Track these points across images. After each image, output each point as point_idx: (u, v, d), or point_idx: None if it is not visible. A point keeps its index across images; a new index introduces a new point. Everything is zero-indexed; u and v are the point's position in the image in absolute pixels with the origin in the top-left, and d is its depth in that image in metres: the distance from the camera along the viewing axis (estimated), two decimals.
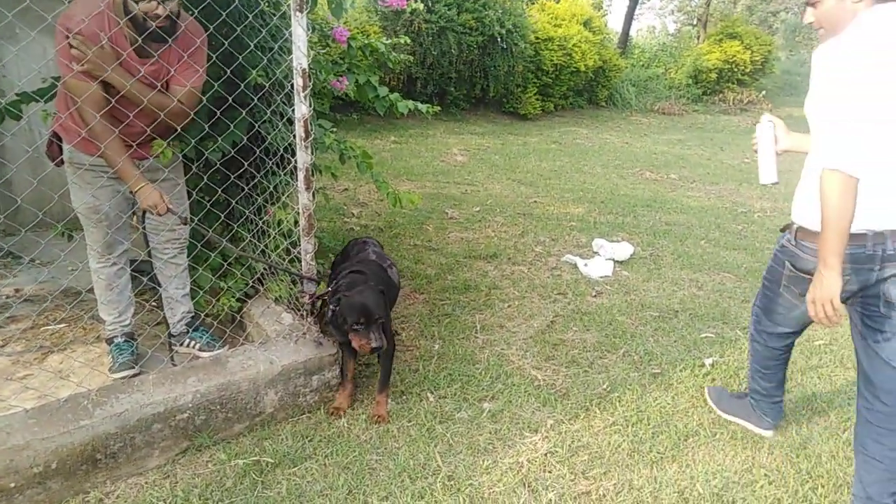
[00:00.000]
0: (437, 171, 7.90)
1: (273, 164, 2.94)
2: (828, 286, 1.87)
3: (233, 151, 2.82)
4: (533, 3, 14.49)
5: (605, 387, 2.97)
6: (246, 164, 2.87)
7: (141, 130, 2.46)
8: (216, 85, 2.57)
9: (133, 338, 2.85)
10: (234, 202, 2.93)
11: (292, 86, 2.57)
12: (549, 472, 2.36)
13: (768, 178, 2.36)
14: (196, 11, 2.57)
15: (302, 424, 2.58)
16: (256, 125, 2.89)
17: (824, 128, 1.87)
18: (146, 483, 2.22)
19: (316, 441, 2.47)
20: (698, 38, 21.61)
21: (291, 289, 2.97)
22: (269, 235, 2.99)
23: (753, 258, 5.03)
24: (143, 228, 2.72)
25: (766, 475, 2.39)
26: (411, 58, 10.43)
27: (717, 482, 2.34)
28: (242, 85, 2.68)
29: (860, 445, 2.09)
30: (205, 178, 2.83)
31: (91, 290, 2.81)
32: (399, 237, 5.07)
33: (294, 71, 2.52)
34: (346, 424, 2.59)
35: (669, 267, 4.71)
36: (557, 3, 14.63)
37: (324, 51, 3.25)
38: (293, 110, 2.60)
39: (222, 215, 3.01)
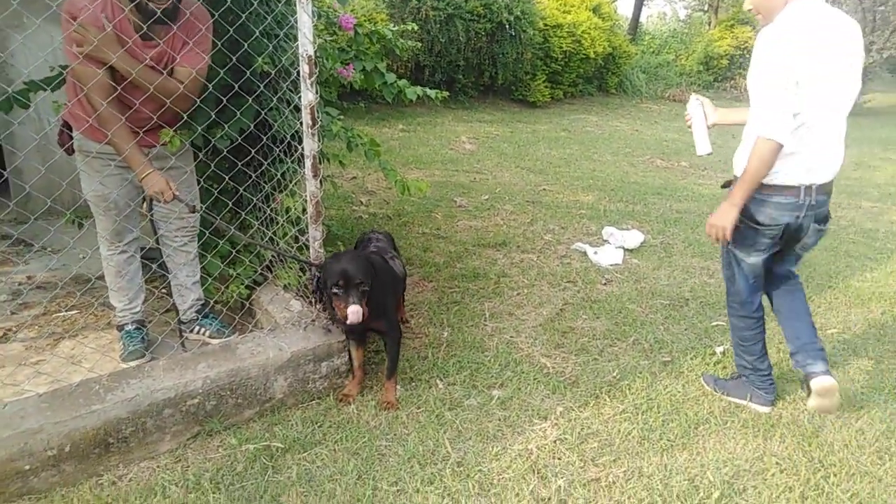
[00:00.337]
0: (446, 160, 7.88)
1: (280, 151, 2.93)
2: (728, 218, 2.38)
3: (239, 139, 2.82)
4: None
5: (614, 374, 2.96)
6: (253, 151, 2.86)
7: (147, 117, 2.45)
8: (222, 72, 2.56)
9: (143, 325, 2.86)
10: (241, 190, 2.93)
11: (298, 73, 2.56)
12: (559, 458, 2.36)
13: (704, 150, 2.69)
14: None
15: (311, 410, 2.59)
16: (263, 112, 2.89)
17: (760, 100, 2.27)
18: (158, 467, 2.24)
19: (325, 427, 2.48)
20: (709, 24, 21.37)
21: (300, 276, 2.97)
22: (277, 223, 2.99)
23: None
24: (151, 216, 2.73)
25: (777, 463, 2.37)
26: (419, 45, 10.37)
27: (728, 470, 2.33)
28: (248, 72, 2.67)
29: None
30: (212, 165, 2.83)
31: (101, 277, 2.82)
32: (408, 225, 5.06)
33: (300, 58, 2.50)
34: (355, 411, 2.59)
35: (680, 255, 4.68)
36: None
37: (330, 38, 3.23)
38: (299, 98, 2.59)
39: (230, 203, 3.01)
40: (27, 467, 2.01)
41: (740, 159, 2.42)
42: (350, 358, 2.73)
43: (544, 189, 6.60)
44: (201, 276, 2.99)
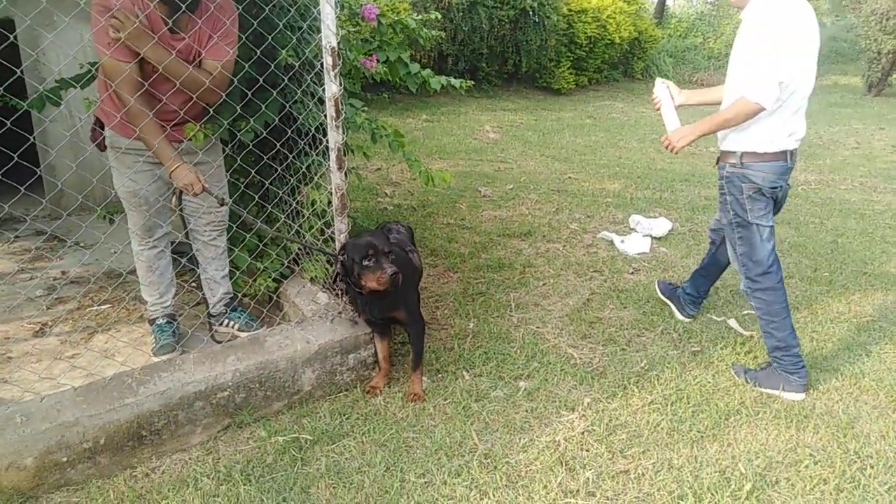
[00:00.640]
0: (470, 149, 7.84)
1: (305, 144, 2.94)
2: (685, 140, 2.76)
3: (265, 132, 2.83)
4: None
5: (643, 365, 2.93)
6: (278, 144, 2.88)
7: (175, 111, 2.48)
8: (247, 66, 2.57)
9: (174, 319, 2.91)
10: (267, 183, 2.95)
11: (322, 65, 2.56)
12: (587, 450, 2.34)
13: (674, 127, 2.86)
14: None
15: (339, 402, 2.61)
16: (288, 105, 2.89)
17: (752, 69, 2.49)
18: (190, 459, 2.28)
19: (353, 419, 2.50)
20: None
21: (326, 269, 2.98)
22: (302, 216, 3.00)
23: (798, 232, 4.88)
24: (181, 211, 2.76)
25: (811, 455, 2.32)
26: (443, 34, 10.31)
27: (760, 462, 2.29)
28: (273, 65, 2.68)
29: None
30: (238, 159, 2.85)
31: (133, 272, 2.87)
32: (432, 216, 5.06)
33: (323, 49, 2.50)
34: (382, 402, 2.60)
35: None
36: None
37: (353, 29, 3.22)
38: (323, 89, 2.59)
39: (256, 196, 3.04)
40: (64, 459, 2.07)
41: (742, 136, 2.65)
42: (376, 350, 2.74)
43: (569, 177, 6.54)
44: (230, 270, 3.03)
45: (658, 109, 2.98)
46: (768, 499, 2.12)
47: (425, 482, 2.16)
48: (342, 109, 2.60)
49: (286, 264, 3.16)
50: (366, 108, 3.35)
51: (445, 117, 9.88)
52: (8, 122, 2.04)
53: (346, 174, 2.69)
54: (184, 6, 2.35)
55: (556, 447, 2.35)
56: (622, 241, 4.48)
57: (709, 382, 2.79)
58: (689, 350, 3.07)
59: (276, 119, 2.86)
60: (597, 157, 7.57)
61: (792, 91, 2.53)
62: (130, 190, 2.61)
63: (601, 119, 10.46)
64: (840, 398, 2.68)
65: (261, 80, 2.66)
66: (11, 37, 2.22)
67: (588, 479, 2.18)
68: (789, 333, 2.71)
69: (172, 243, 2.92)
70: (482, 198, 5.64)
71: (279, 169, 2.92)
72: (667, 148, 2.81)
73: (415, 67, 3.34)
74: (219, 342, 2.81)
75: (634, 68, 14.84)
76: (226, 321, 3.00)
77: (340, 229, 2.76)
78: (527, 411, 2.57)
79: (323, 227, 2.92)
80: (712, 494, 2.12)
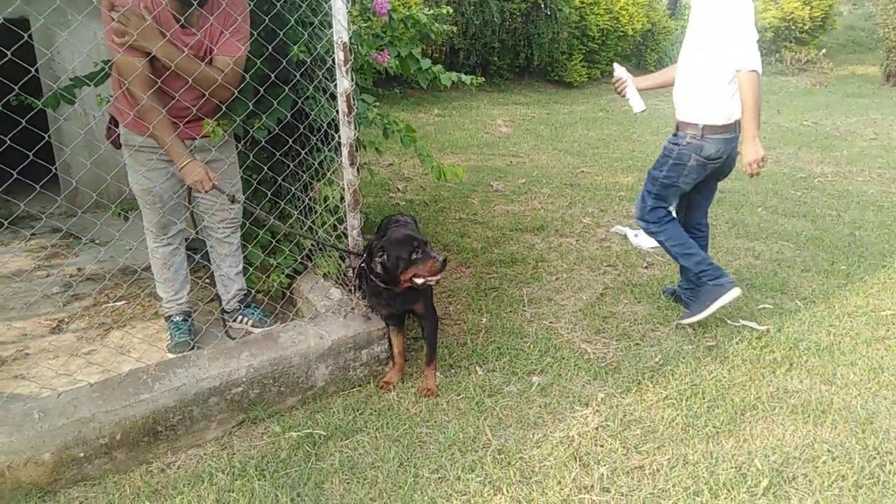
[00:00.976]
0: (482, 144, 7.82)
1: (317, 140, 2.95)
2: (758, 150, 2.80)
3: (277, 129, 2.84)
4: None
5: (657, 360, 2.91)
6: (290, 141, 2.88)
7: (187, 108, 2.48)
8: (258, 62, 2.57)
9: (189, 315, 2.93)
10: (280, 179, 2.96)
11: (334, 60, 2.56)
12: (601, 446, 2.33)
13: (639, 107, 3.07)
14: None
15: (352, 398, 2.61)
16: (300, 101, 2.90)
17: (734, 39, 2.67)
18: (205, 454, 2.29)
19: (366, 414, 2.51)
20: None
21: (339, 264, 2.99)
22: (315, 212, 3.01)
23: (814, 225, 4.81)
24: (193, 207, 2.77)
25: (828, 450, 2.30)
26: (454, 28, 10.28)
27: (777, 457, 2.26)
28: (284, 61, 2.68)
29: None
30: (251, 156, 2.86)
31: (148, 268, 2.89)
32: (444, 211, 5.05)
33: (335, 45, 2.50)
34: (395, 398, 2.61)
35: (724, 236, 4.55)
36: None
37: (365, 24, 3.22)
38: (335, 85, 2.59)
39: (269, 193, 3.04)
40: (81, 454, 2.09)
41: (704, 110, 2.86)
42: (390, 345, 2.74)
43: (582, 171, 6.50)
44: (243, 267, 3.04)
45: (622, 92, 3.16)
46: (785, 495, 2.10)
47: (439, 477, 2.16)
48: (354, 105, 2.60)
49: (299, 260, 3.17)
50: (378, 104, 3.35)
51: (457, 112, 9.85)
52: (23, 121, 2.06)
53: (358, 170, 2.69)
54: (195, 2, 2.35)
55: (570, 443, 2.34)
56: (636, 236, 4.44)
57: (724, 377, 2.76)
58: (703, 345, 3.04)
59: (289, 115, 2.86)
60: (610, 151, 7.52)
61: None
62: (145, 187, 2.63)
63: (614, 112, 10.38)
64: (858, 393, 2.65)
65: (273, 76, 2.66)
66: (26, 36, 2.22)
67: (602, 474, 2.17)
68: (696, 248, 3.07)
69: (186, 240, 2.94)
70: (494, 192, 5.62)
71: (291, 165, 2.92)
72: (755, 174, 2.88)
73: (426, 63, 3.33)
74: (233, 338, 2.83)
75: (648, 60, 14.67)
76: (240, 317, 3.01)
77: (353, 225, 2.76)
78: (540, 406, 2.56)
79: (336, 223, 2.92)
80: (728, 490, 2.10)
